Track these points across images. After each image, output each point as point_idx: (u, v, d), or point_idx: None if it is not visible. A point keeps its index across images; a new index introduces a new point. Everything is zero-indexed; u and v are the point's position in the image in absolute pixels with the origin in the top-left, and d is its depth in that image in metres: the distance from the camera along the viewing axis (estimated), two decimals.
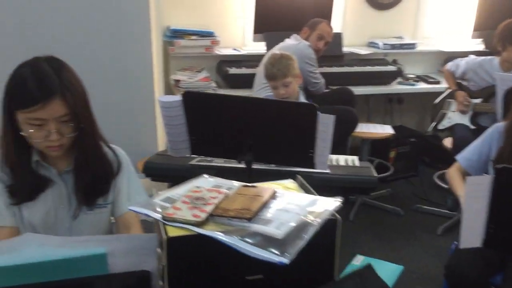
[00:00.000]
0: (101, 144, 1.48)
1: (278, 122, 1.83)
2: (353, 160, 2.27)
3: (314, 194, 1.12)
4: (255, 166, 1.89)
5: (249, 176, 1.93)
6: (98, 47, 2.77)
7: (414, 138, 4.00)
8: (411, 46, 4.06)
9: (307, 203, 1.02)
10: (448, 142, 3.27)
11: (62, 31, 2.72)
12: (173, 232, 0.92)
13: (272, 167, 2.08)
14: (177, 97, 1.89)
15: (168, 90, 3.49)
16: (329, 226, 0.98)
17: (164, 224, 0.94)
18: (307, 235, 0.90)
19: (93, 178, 1.44)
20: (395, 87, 3.84)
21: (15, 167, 1.39)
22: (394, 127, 3.67)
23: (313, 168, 1.91)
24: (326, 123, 1.81)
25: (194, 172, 2.11)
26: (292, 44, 3.16)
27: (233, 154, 1.95)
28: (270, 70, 2.45)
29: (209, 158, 2.17)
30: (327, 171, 2.04)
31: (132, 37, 2.82)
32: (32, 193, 1.41)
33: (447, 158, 3.81)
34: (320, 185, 2.06)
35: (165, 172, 2.16)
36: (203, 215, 0.94)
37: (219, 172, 2.07)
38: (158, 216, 0.96)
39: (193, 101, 1.87)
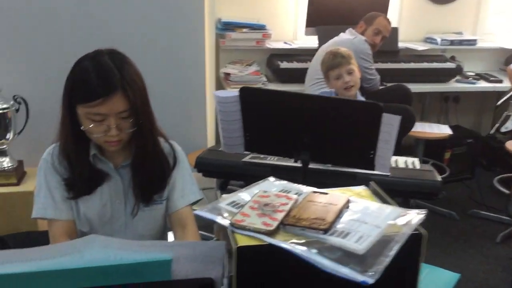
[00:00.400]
0: (159, 139, 1.44)
1: (339, 120, 1.74)
2: (413, 162, 2.16)
3: (391, 203, 1.03)
4: (311, 165, 1.81)
5: (304, 176, 1.86)
6: (152, 39, 2.74)
7: (471, 139, 3.82)
8: (472, 42, 3.86)
9: (387, 214, 0.94)
10: (511, 145, 3.08)
11: (118, 23, 2.71)
12: (243, 241, 0.85)
13: (328, 167, 1.99)
14: (234, 93, 1.83)
15: (218, 84, 3.44)
16: (413, 241, 0.89)
17: (233, 231, 0.87)
18: (391, 252, 0.82)
19: (151, 174, 1.41)
20: (454, 85, 3.66)
21: (73, 160, 1.37)
22: (450, 127, 3.50)
23: (372, 170, 1.81)
24: (390, 124, 1.71)
25: (247, 169, 2.06)
26: (347, 38, 3.05)
27: (289, 153, 1.88)
28: (332, 60, 2.38)
29: (262, 156, 2.11)
30: (387, 173, 1.93)
31: (186, 29, 2.78)
32: (89, 187, 1.39)
33: (508, 162, 3.66)
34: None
35: (217, 168, 2.11)
36: (274, 224, 0.87)
37: (272, 170, 2.01)
38: (225, 222, 0.89)
39: (250, 97, 1.81)
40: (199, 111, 2.93)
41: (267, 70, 3.67)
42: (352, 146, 1.78)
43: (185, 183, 1.50)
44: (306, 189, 1.04)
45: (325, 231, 0.85)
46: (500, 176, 3.59)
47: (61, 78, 2.70)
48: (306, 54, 3.57)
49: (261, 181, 1.09)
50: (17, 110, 2.53)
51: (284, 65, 3.46)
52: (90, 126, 1.29)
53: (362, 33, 3.11)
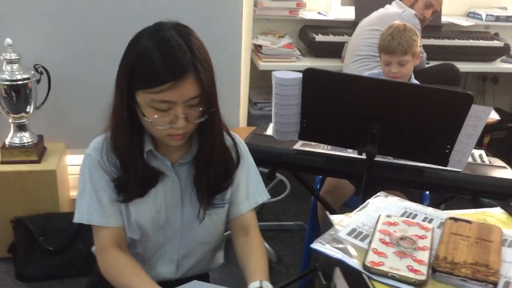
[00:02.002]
0: (223, 131, 1.22)
1: (417, 110, 1.54)
2: (480, 154, 1.96)
3: None
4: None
5: (369, 170, 1.66)
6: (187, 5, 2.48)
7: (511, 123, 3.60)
8: None
9: None
10: None
11: None
12: None
13: (392, 160, 1.79)
14: (295, 74, 1.61)
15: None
16: None
17: (370, 278, 0.68)
18: None
19: (216, 172, 1.19)
20: (499, 66, 3.41)
21: (126, 157, 1.15)
22: None
23: (445, 166, 1.62)
24: (478, 117, 1.51)
25: (299, 158, 1.86)
26: (395, 12, 2.78)
27: (352, 144, 1.67)
28: (388, 41, 2.08)
29: (313, 143, 1.90)
30: (460, 170, 1.73)
31: None
32: (143, 189, 1.18)
33: None
34: (448, 186, 1.81)
35: (265, 156, 1.89)
36: (423, 271, 0.67)
37: (328, 161, 1.81)
38: (356, 264, 0.69)
39: (315, 80, 1.59)
40: (232, 86, 2.70)
41: (299, 42, 3.41)
42: (427, 139, 1.58)
43: (250, 183, 1.30)
44: (434, 212, 0.84)
45: (495, 285, 0.66)
46: None
47: (86, 46, 2.47)
48: (342, 26, 3.31)
49: (372, 199, 0.89)
50: (38, 81, 2.29)
51: (319, 38, 3.20)
52: (154, 116, 1.06)
53: (411, 6, 2.83)
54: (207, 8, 2.52)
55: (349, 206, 2.21)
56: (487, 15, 3.55)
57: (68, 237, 2.22)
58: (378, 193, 0.91)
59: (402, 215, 0.83)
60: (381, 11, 2.88)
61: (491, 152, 3.75)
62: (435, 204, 2.21)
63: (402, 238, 0.74)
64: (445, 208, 2.97)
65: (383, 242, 0.73)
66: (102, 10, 2.42)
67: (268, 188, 1.36)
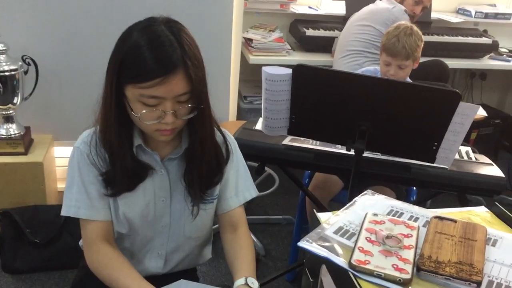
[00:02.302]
0: (214, 128, 1.22)
1: (406, 107, 1.55)
2: (467, 151, 1.98)
3: None
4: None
5: (357, 166, 1.68)
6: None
7: (498, 119, 3.64)
8: (507, 16, 3.61)
9: None
10: None
11: None
12: None
13: (380, 156, 1.80)
14: (285, 70, 1.61)
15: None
16: None
17: (356, 276, 0.68)
18: None
19: (205, 168, 1.19)
20: (487, 62, 3.44)
21: (115, 151, 1.14)
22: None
23: (432, 162, 1.64)
24: (465, 115, 1.53)
25: (288, 153, 1.86)
26: (385, 7, 2.79)
27: (341, 140, 1.69)
28: (393, 43, 2.05)
29: (302, 139, 1.90)
30: (447, 167, 1.75)
31: None
32: (132, 183, 1.17)
33: None
34: (435, 183, 1.83)
35: (254, 150, 1.90)
36: (408, 269, 0.68)
37: (316, 156, 1.82)
38: (342, 262, 0.70)
39: (305, 76, 1.59)
40: (222, 80, 2.69)
41: (289, 37, 3.40)
42: (415, 136, 1.60)
43: (239, 179, 1.30)
44: (419, 210, 0.85)
45: (478, 284, 0.67)
46: None
47: (75, 37, 2.45)
48: (333, 21, 3.32)
49: (359, 197, 0.90)
50: (25, 72, 2.27)
51: (310, 32, 3.20)
52: (143, 111, 1.06)
53: (401, 2, 2.84)
54: (198, 1, 2.51)
55: (337, 201, 2.22)
56: (476, 12, 3.58)
57: (55, 230, 2.21)
58: (365, 191, 0.92)
59: (389, 214, 0.83)
60: (371, 6, 2.89)
61: (478, 148, 3.80)
62: (422, 200, 2.24)
63: (388, 237, 0.75)
64: (432, 204, 3.01)
65: (369, 240, 0.74)
66: (92, 1, 2.40)
67: (257, 182, 1.38)
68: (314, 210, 0.86)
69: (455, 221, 0.81)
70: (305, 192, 2.13)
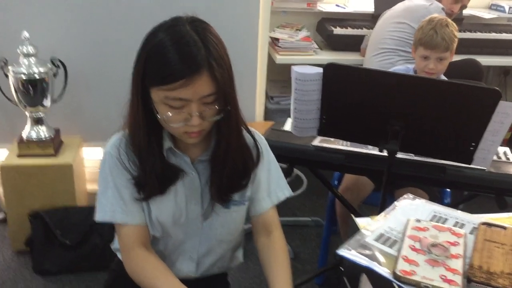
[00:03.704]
0: (242, 128, 1.19)
1: (442, 107, 1.50)
2: (505, 152, 1.90)
3: None
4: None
5: (389, 168, 1.62)
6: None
7: None
8: None
9: None
10: None
11: None
12: None
13: (413, 157, 1.75)
14: (315, 69, 1.58)
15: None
16: None
17: (400, 287, 0.64)
18: None
19: (233, 171, 1.17)
20: None
21: (145, 154, 1.12)
22: None
23: (469, 164, 1.58)
24: (506, 114, 1.46)
25: (318, 155, 1.82)
26: (421, 4, 2.71)
27: (373, 140, 1.64)
28: (431, 36, 1.99)
29: (332, 140, 1.86)
30: (485, 168, 1.68)
31: None
32: (163, 186, 1.15)
33: None
34: (471, 184, 1.76)
35: (283, 151, 1.86)
36: (458, 281, 0.64)
37: (347, 158, 1.78)
38: (385, 272, 0.66)
39: (336, 75, 1.55)
40: (249, 80, 2.66)
41: (317, 36, 3.36)
42: (451, 136, 1.54)
43: (271, 179, 1.27)
44: (465, 216, 0.81)
45: None
46: None
47: (103, 39, 2.45)
48: (361, 19, 3.26)
49: (399, 201, 0.85)
50: (55, 74, 2.28)
51: (337, 31, 3.15)
52: (168, 114, 1.04)
53: (439, 0, 2.76)
54: (224, 1, 2.49)
55: (368, 203, 2.17)
56: (510, 8, 3.47)
57: (85, 231, 2.22)
58: (405, 195, 0.88)
59: (432, 220, 0.79)
60: (407, 3, 2.81)
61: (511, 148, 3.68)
62: (456, 203, 2.16)
63: (433, 245, 0.70)
64: (464, 208, 2.91)
65: (413, 249, 0.70)
66: (120, 2, 2.40)
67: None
68: (353, 216, 0.82)
69: (505, 228, 0.76)
70: (336, 194, 2.08)
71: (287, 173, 2.04)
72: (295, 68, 1.58)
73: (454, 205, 2.20)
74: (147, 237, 1.19)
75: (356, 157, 1.78)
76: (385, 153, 1.60)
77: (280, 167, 1.31)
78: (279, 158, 1.99)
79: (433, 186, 2.09)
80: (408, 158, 1.72)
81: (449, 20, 2.01)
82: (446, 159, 1.65)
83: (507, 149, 1.92)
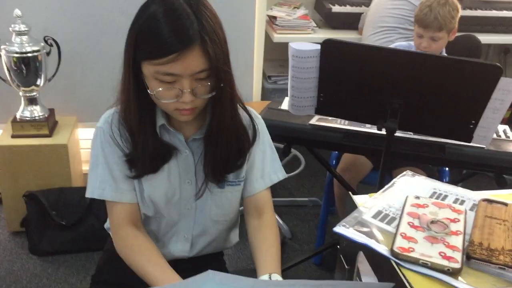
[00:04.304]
0: (238, 106, 1.16)
1: (441, 84, 1.47)
2: (504, 130, 1.88)
3: None
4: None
5: (388, 147, 1.60)
6: None
7: None
8: None
9: None
10: None
11: None
12: (419, 283, 0.60)
13: (412, 135, 1.73)
14: (313, 46, 1.54)
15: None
16: None
17: (399, 265, 0.62)
18: None
19: (228, 150, 1.14)
20: None
21: (137, 131, 1.10)
22: None
23: (469, 142, 1.55)
24: (507, 90, 1.44)
25: (316, 134, 1.80)
26: None
27: (372, 119, 1.61)
28: (425, 14, 1.96)
29: (330, 118, 1.84)
30: (484, 146, 1.66)
31: None
32: (156, 164, 1.13)
33: None
34: (471, 163, 1.74)
35: (280, 131, 1.84)
36: (458, 258, 0.62)
37: (345, 136, 1.75)
38: (383, 249, 0.64)
39: (333, 52, 1.52)
40: (246, 59, 2.63)
41: (315, 14, 3.30)
42: (451, 114, 1.52)
43: (266, 160, 1.24)
44: (465, 192, 0.78)
45: None
46: None
47: (97, 17, 2.40)
48: None
49: (398, 178, 0.83)
50: (48, 53, 2.24)
51: (336, 8, 3.09)
52: (159, 89, 1.01)
53: None
54: None
55: (366, 183, 2.16)
56: None
57: (81, 212, 2.20)
58: (404, 172, 0.85)
59: (431, 196, 0.77)
60: None
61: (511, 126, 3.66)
62: (455, 182, 2.15)
63: (433, 222, 0.68)
64: (464, 186, 2.90)
65: (412, 226, 0.68)
66: None
67: (283, 164, 1.32)
68: (350, 193, 0.80)
69: (506, 204, 0.74)
70: (334, 174, 2.06)
71: (284, 152, 2.02)
72: (292, 45, 1.55)
73: (452, 184, 2.19)
74: (138, 216, 1.17)
75: (354, 136, 1.76)
76: (383, 132, 1.57)
77: (277, 146, 1.29)
78: (276, 138, 1.97)
79: (433, 165, 2.07)
80: (407, 137, 1.70)
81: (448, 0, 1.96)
82: (445, 137, 1.63)
83: (506, 127, 1.90)
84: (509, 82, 1.40)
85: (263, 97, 3.02)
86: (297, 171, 2.83)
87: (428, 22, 1.92)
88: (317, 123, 1.81)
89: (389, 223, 0.70)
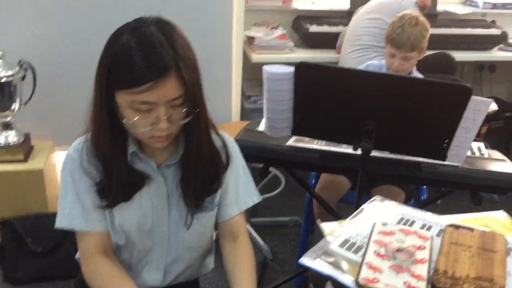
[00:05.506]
0: (211, 131, 1.16)
1: (414, 104, 1.49)
2: (479, 147, 1.90)
3: None
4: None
5: (364, 167, 1.61)
6: None
7: (509, 112, 3.55)
8: None
9: None
10: None
11: None
12: None
13: (388, 155, 1.74)
14: (287, 68, 1.56)
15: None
16: None
17: None
18: None
19: (203, 174, 1.13)
20: (496, 54, 3.35)
21: (108, 159, 1.08)
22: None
23: (443, 160, 1.57)
24: (478, 110, 1.46)
25: (293, 154, 1.80)
26: (394, 0, 2.70)
27: (347, 138, 1.62)
28: (398, 34, 1.98)
29: (307, 139, 1.84)
30: (459, 164, 1.67)
31: None
32: (128, 193, 1.12)
33: None
34: (446, 181, 1.76)
35: (257, 152, 1.84)
36: (423, 287, 0.62)
37: (322, 157, 1.76)
38: (348, 280, 0.64)
39: (307, 74, 1.53)
40: (224, 80, 2.63)
41: (293, 33, 3.33)
42: (425, 133, 1.53)
43: (240, 184, 1.24)
44: (432, 218, 0.79)
45: None
46: None
47: (72, 41, 2.39)
48: (337, 16, 3.25)
49: (367, 204, 0.83)
50: (23, 78, 2.22)
51: (314, 28, 3.13)
52: (135, 118, 1.00)
53: None
54: (195, 1, 2.44)
55: (345, 201, 2.16)
56: (484, 3, 3.49)
57: (57, 238, 2.16)
58: (374, 197, 0.85)
59: (399, 222, 0.77)
60: None
61: (489, 142, 3.71)
62: (433, 199, 2.16)
63: (398, 250, 0.68)
64: (443, 202, 2.92)
65: (378, 254, 0.68)
66: (88, 4, 2.35)
67: (263, 184, 1.32)
68: (319, 220, 0.79)
69: (472, 229, 0.74)
70: (312, 194, 2.06)
71: (262, 174, 2.02)
72: (266, 68, 1.56)
73: (431, 201, 2.20)
74: (108, 245, 1.15)
75: (331, 156, 1.76)
76: (359, 152, 1.58)
77: (256, 167, 1.28)
78: (254, 159, 1.98)
79: (409, 184, 2.09)
80: (383, 156, 1.71)
81: (420, 18, 1.99)
82: (420, 156, 1.64)
83: (481, 145, 1.92)
84: (480, 102, 1.42)
85: (243, 117, 3.03)
86: (277, 191, 2.82)
87: (401, 43, 1.95)
88: (294, 144, 1.81)
89: (356, 251, 0.69)
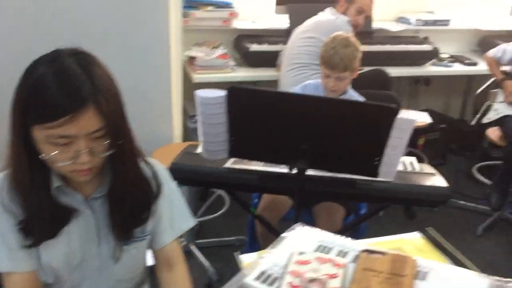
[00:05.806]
0: (138, 160, 1.15)
1: (344, 125, 1.54)
2: (411, 162, 1.97)
3: (461, 260, 0.81)
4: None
5: (301, 186, 1.64)
6: (106, 15, 2.33)
7: (444, 124, 3.72)
8: (445, 22, 3.70)
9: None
10: (492, 133, 2.98)
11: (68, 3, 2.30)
12: None
13: (326, 173, 1.78)
14: (219, 92, 1.57)
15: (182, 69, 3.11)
16: None
17: None
18: None
19: (132, 205, 1.12)
20: (430, 69, 3.51)
21: (29, 196, 1.05)
22: (422, 111, 3.37)
23: (375, 177, 1.63)
24: (403, 129, 1.52)
25: (231, 177, 1.81)
26: (328, 19, 2.78)
27: (283, 160, 1.65)
28: (330, 56, 2.03)
29: (245, 161, 1.86)
30: (390, 180, 1.73)
31: (147, 7, 2.40)
32: (54, 229, 1.08)
33: (478, 147, 3.59)
34: (380, 196, 1.81)
35: (196, 175, 1.83)
36: None
37: (260, 178, 1.78)
38: None
39: (240, 98, 1.56)
40: (163, 101, 2.60)
41: (234, 52, 3.37)
42: (356, 152, 1.59)
43: (174, 210, 1.23)
44: (350, 244, 0.81)
45: None
46: (480, 164, 3.51)
47: (8, 74, 2.29)
48: (277, 35, 3.31)
49: (287, 232, 0.84)
50: None
51: (254, 47, 3.18)
52: (53, 153, 0.97)
53: (344, 13, 2.84)
54: (130, 21, 2.41)
55: (288, 219, 2.18)
56: (416, 20, 3.65)
57: None
58: (294, 225, 0.87)
59: (317, 250, 0.79)
60: (314, 18, 2.87)
61: (426, 153, 3.87)
62: (373, 213, 2.22)
63: (311, 280, 0.70)
64: (384, 215, 2.98)
65: (292, 286, 0.69)
66: (27, 29, 2.26)
67: (207, 205, 1.32)
68: (237, 254, 0.80)
69: (384, 253, 0.77)
70: (253, 215, 2.08)
71: (202, 197, 2.01)
72: (198, 92, 1.57)
73: (371, 215, 2.25)
74: (38, 283, 1.11)
75: (269, 177, 1.78)
76: (295, 172, 1.61)
77: (194, 190, 1.27)
78: (192, 182, 1.96)
79: (345, 200, 2.14)
80: (319, 175, 1.74)
81: (352, 39, 2.06)
82: (353, 173, 1.68)
83: (413, 159, 1.99)
84: (404, 121, 1.49)
85: (187, 137, 3.01)
86: (222, 211, 2.82)
87: (334, 64, 2.01)
88: (232, 165, 1.82)
89: (271, 284, 0.70)
